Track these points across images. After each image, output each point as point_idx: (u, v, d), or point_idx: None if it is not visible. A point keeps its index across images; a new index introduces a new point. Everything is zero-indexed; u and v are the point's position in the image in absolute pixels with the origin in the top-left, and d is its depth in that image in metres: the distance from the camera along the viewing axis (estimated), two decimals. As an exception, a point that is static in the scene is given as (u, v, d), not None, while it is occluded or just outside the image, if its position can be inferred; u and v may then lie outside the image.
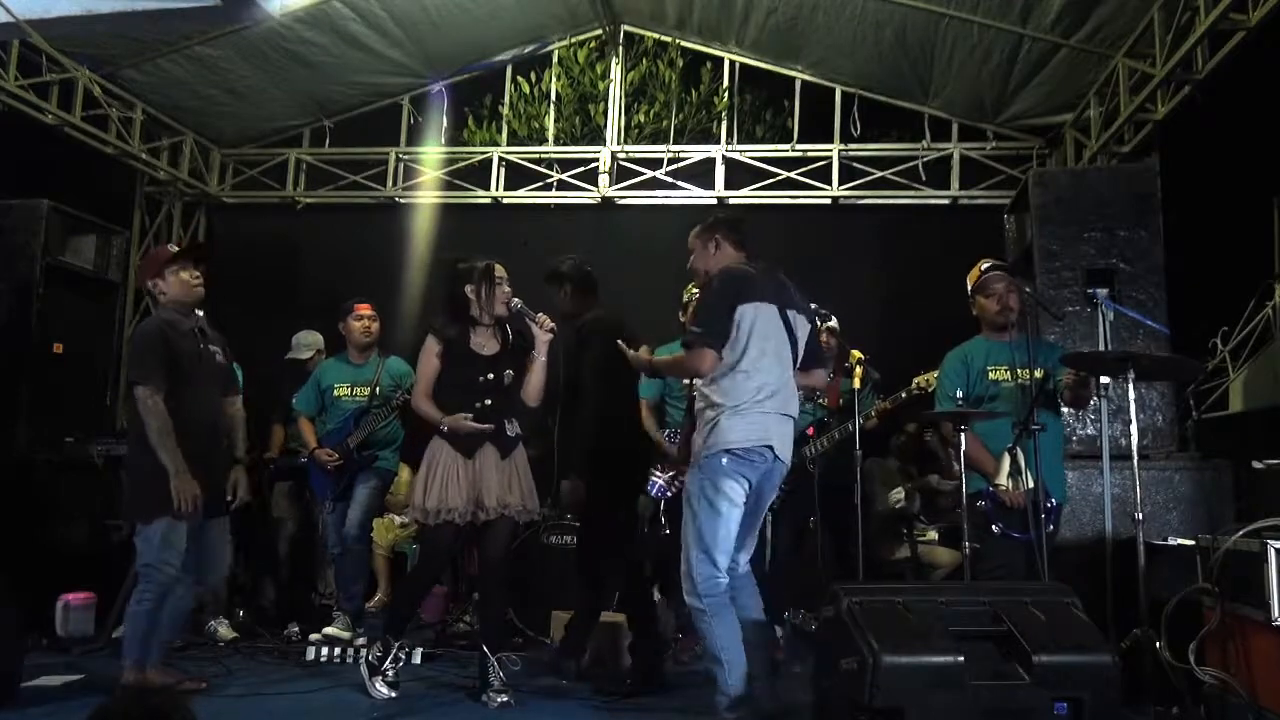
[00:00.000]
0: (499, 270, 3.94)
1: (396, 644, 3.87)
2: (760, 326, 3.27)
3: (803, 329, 3.47)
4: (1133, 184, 4.70)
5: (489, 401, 3.88)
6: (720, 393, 3.22)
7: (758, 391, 3.23)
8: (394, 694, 3.80)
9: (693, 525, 3.21)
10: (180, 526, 3.59)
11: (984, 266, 3.97)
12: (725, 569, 3.21)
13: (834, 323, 5.16)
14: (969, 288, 4.03)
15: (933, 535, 5.76)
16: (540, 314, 3.92)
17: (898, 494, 5.47)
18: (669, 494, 4.84)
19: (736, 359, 3.23)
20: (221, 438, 3.94)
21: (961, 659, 2.60)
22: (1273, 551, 2.94)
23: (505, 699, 3.72)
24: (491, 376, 3.91)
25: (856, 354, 4.67)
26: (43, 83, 5.97)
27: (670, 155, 7.19)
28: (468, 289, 3.91)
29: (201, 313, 3.96)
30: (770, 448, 3.22)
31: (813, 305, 3.74)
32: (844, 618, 2.79)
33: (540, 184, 7.36)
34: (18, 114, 5.87)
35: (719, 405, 3.21)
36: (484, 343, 3.96)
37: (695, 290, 4.86)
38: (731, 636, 3.13)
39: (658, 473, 4.86)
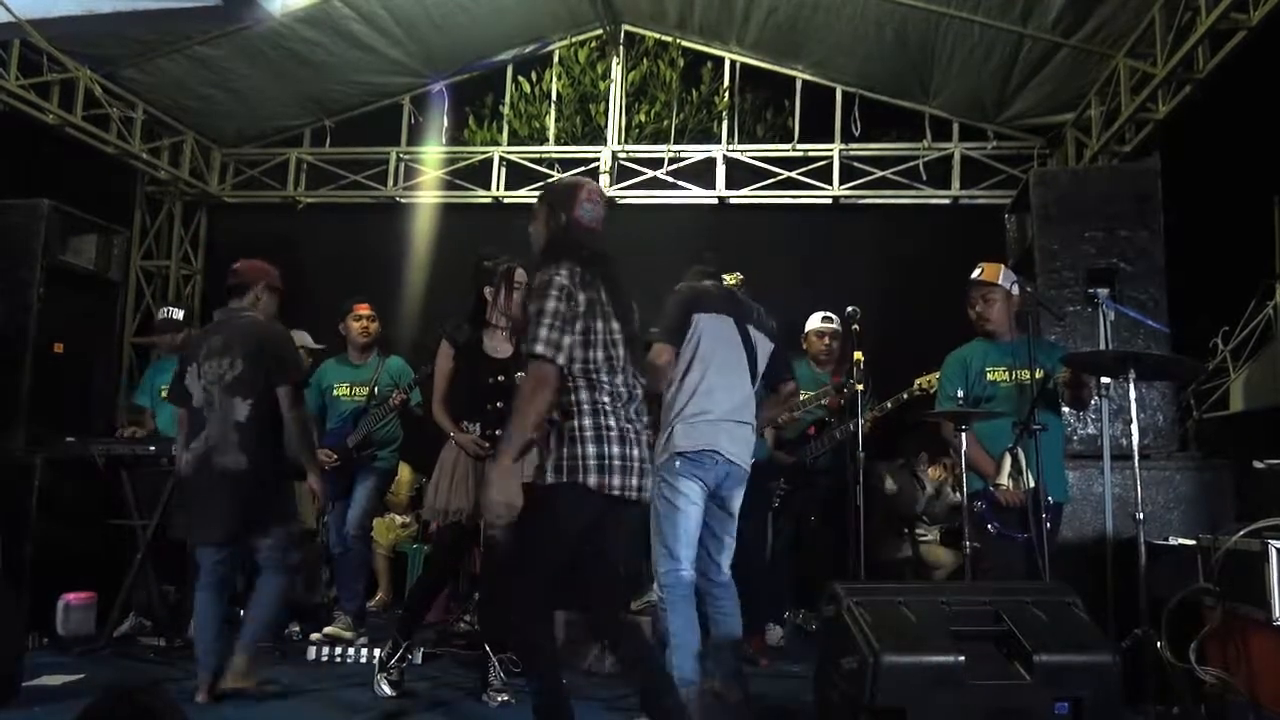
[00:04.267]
0: (519, 275, 3.91)
1: (405, 644, 3.88)
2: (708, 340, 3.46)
3: (764, 345, 3.61)
4: (1134, 184, 4.68)
5: (499, 404, 3.87)
6: (674, 404, 3.45)
7: (708, 400, 3.43)
8: (395, 693, 3.81)
9: (655, 523, 3.39)
10: None
11: (1004, 271, 3.95)
12: (689, 562, 3.35)
13: (835, 324, 5.18)
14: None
15: (933, 535, 5.77)
16: None
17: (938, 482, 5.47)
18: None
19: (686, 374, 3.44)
20: None
21: (962, 659, 2.59)
22: (1273, 551, 2.93)
23: (505, 698, 3.73)
24: (503, 379, 3.91)
25: (859, 355, 4.67)
26: (43, 82, 5.96)
27: (671, 155, 7.18)
28: (486, 290, 3.93)
29: None
30: (719, 452, 3.39)
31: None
32: (844, 618, 2.78)
33: (541, 184, 7.33)
34: (18, 114, 5.86)
35: (673, 414, 3.43)
36: (497, 345, 3.97)
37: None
38: (684, 625, 3.26)
39: None
